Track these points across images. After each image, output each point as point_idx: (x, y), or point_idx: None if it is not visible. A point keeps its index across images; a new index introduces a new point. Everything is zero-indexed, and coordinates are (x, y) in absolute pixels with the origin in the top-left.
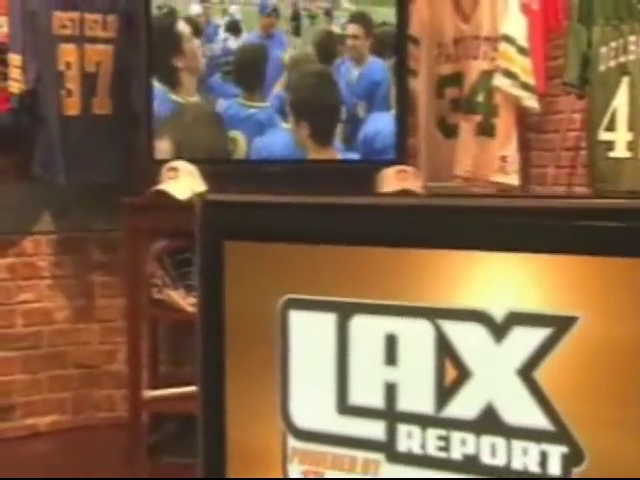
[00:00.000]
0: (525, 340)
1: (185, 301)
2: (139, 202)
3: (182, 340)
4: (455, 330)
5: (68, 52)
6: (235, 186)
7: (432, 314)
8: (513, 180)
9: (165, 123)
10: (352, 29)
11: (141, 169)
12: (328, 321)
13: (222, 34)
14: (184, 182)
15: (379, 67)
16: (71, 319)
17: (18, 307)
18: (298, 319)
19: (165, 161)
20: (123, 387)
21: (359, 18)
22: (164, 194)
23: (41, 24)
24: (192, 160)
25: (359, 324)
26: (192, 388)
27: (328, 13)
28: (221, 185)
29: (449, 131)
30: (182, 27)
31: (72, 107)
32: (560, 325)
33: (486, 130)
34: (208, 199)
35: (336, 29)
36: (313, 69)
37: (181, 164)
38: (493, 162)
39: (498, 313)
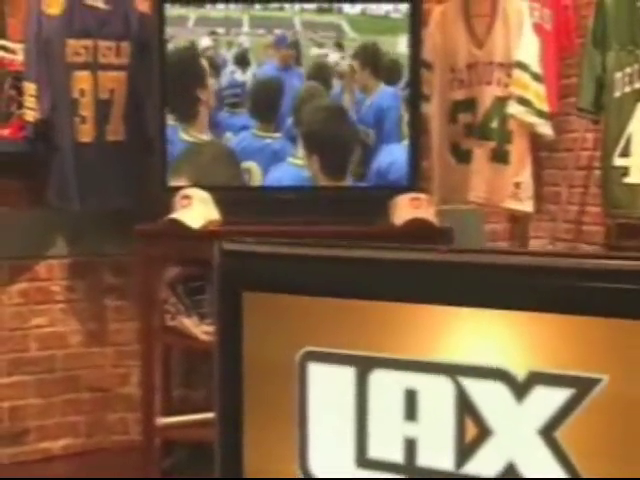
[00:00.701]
0: (547, 400)
1: (198, 329)
2: (152, 230)
3: (195, 363)
4: (476, 387)
5: (82, 79)
6: (248, 213)
7: (453, 370)
8: (527, 207)
9: (177, 156)
10: (360, 59)
11: (154, 195)
12: (347, 374)
13: (231, 66)
14: (197, 210)
15: (390, 97)
16: (84, 343)
17: (32, 331)
18: (317, 371)
19: (178, 188)
20: (136, 410)
21: (367, 48)
22: (177, 222)
23: (55, 52)
24: (205, 187)
25: (379, 378)
26: (205, 415)
27: (336, 44)
28: (234, 212)
29: (462, 156)
30: (194, 59)
31: (86, 134)
32: (583, 386)
33: (500, 156)
34: (226, 249)
35: (343, 60)
36: (323, 102)
37: (194, 192)
38: (507, 188)
39: (520, 372)
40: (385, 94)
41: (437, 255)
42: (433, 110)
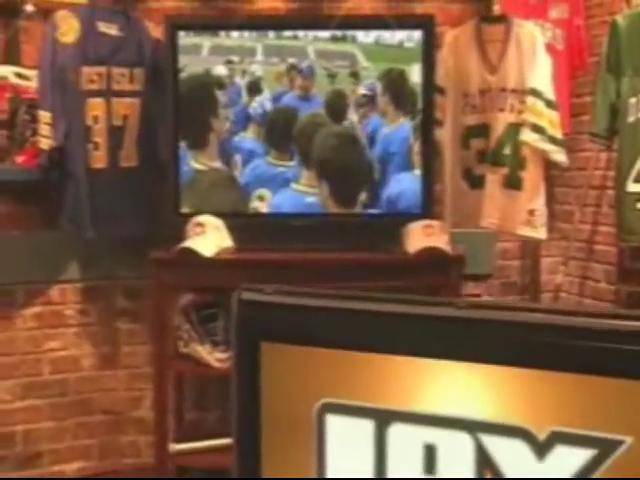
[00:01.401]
0: (568, 460)
1: (211, 356)
2: (166, 258)
3: (207, 387)
4: (496, 445)
5: (96, 106)
6: (258, 240)
7: (473, 427)
8: (541, 234)
9: (188, 183)
10: (372, 88)
11: (167, 221)
12: (366, 427)
13: (245, 94)
14: (210, 238)
15: (402, 126)
16: (97, 366)
17: (45, 355)
18: (335, 423)
19: (191, 214)
20: (148, 433)
21: (379, 77)
22: (190, 251)
23: (70, 80)
24: (217, 214)
25: (398, 432)
26: (218, 441)
27: (350, 73)
28: (244, 239)
29: (475, 182)
30: (207, 88)
31: (99, 160)
32: (605, 447)
33: (513, 183)
34: (245, 299)
35: (356, 88)
36: (335, 129)
37: (207, 219)
38: (520, 215)
39: (541, 431)
40: (401, 125)
41: (456, 311)
42: (445, 135)
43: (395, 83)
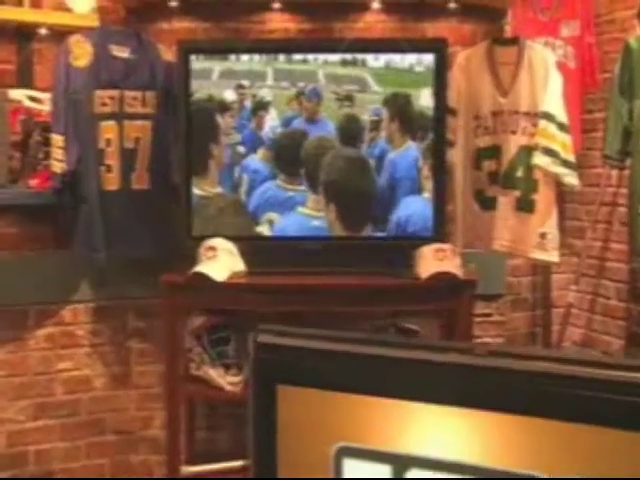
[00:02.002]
0: None
1: (223, 379)
2: (178, 281)
3: (218, 406)
4: None
5: (108, 129)
6: (266, 264)
7: (492, 475)
8: (553, 258)
9: (199, 208)
10: (383, 113)
11: (179, 243)
12: (383, 472)
13: (254, 118)
14: (222, 261)
15: (410, 150)
16: (109, 386)
17: (57, 375)
18: (352, 468)
19: (203, 237)
20: (160, 453)
21: (390, 101)
22: (203, 276)
23: (83, 104)
24: (228, 236)
25: (415, 478)
26: (229, 464)
27: (357, 97)
28: (251, 262)
29: (487, 203)
30: (210, 114)
31: (111, 183)
32: None
33: (525, 206)
34: (261, 341)
35: (365, 113)
36: (344, 153)
37: (219, 243)
38: (532, 238)
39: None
40: (409, 149)
41: (474, 358)
42: (457, 156)
43: (401, 108)
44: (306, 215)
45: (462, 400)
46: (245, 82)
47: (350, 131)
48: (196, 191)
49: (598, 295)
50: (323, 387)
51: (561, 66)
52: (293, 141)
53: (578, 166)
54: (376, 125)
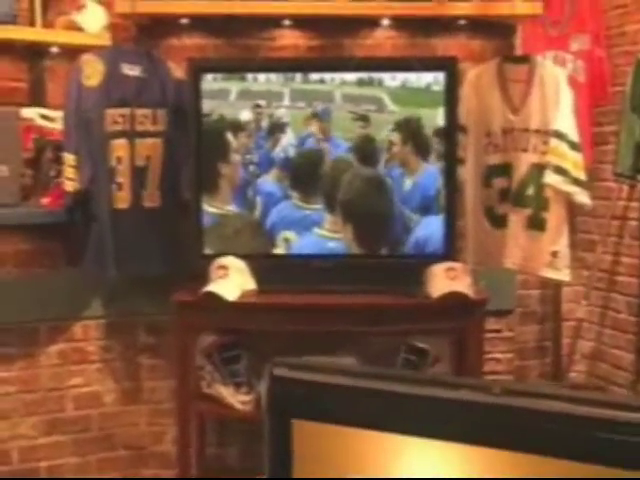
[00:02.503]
0: None
1: (234, 398)
2: (189, 300)
3: (228, 422)
4: None
5: (119, 147)
6: (280, 282)
7: None
8: (564, 276)
9: (213, 226)
10: (399, 134)
11: (190, 260)
12: None
13: (271, 137)
14: (234, 280)
15: (427, 170)
16: (120, 402)
17: (68, 392)
18: None
19: (214, 256)
20: (170, 467)
21: (406, 123)
22: (214, 295)
23: (94, 123)
24: (240, 255)
25: None
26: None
27: (374, 117)
28: (265, 281)
29: (497, 221)
30: (225, 132)
31: (122, 200)
32: None
33: (536, 224)
34: (276, 375)
35: (382, 133)
36: (364, 173)
37: (231, 261)
38: (543, 256)
39: None
40: (427, 172)
41: (490, 397)
42: (467, 173)
43: (414, 131)
44: (322, 236)
45: (479, 438)
46: (262, 102)
47: (367, 151)
48: (210, 209)
49: (608, 308)
50: (339, 422)
51: (571, 80)
52: (307, 160)
53: (589, 179)
54: (391, 146)
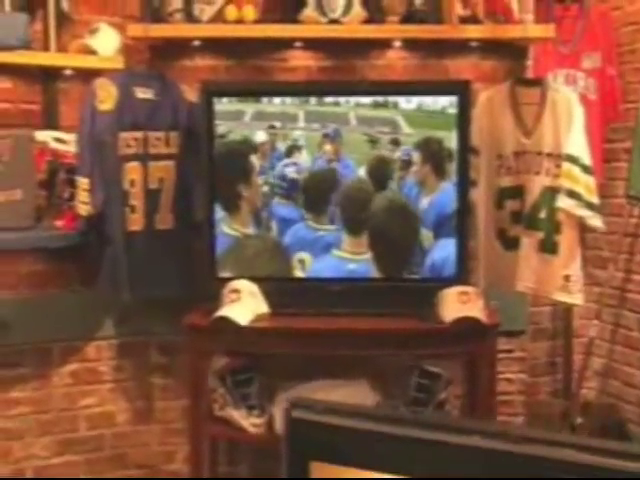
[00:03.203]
0: None
1: (247, 421)
2: (201, 324)
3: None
4: None
5: (132, 170)
6: (295, 305)
7: None
8: (577, 300)
9: (224, 252)
10: (420, 153)
11: (203, 283)
12: None
13: (285, 159)
14: (246, 304)
15: (444, 192)
16: (132, 421)
17: (81, 412)
18: None
19: (227, 279)
20: None
21: (426, 142)
22: (226, 320)
23: (108, 147)
24: (254, 278)
25: None
26: None
27: (392, 140)
28: (282, 304)
29: (509, 243)
30: (243, 155)
31: (135, 223)
32: None
33: (549, 247)
34: (295, 417)
35: (397, 155)
36: (385, 196)
37: (243, 285)
38: (556, 280)
39: None
40: (444, 192)
41: (508, 445)
42: (479, 195)
43: (434, 151)
44: (342, 258)
45: None
46: (277, 123)
47: (382, 172)
48: (226, 230)
49: (619, 326)
50: (357, 465)
51: (582, 98)
52: (320, 181)
53: (601, 196)
54: (405, 165)
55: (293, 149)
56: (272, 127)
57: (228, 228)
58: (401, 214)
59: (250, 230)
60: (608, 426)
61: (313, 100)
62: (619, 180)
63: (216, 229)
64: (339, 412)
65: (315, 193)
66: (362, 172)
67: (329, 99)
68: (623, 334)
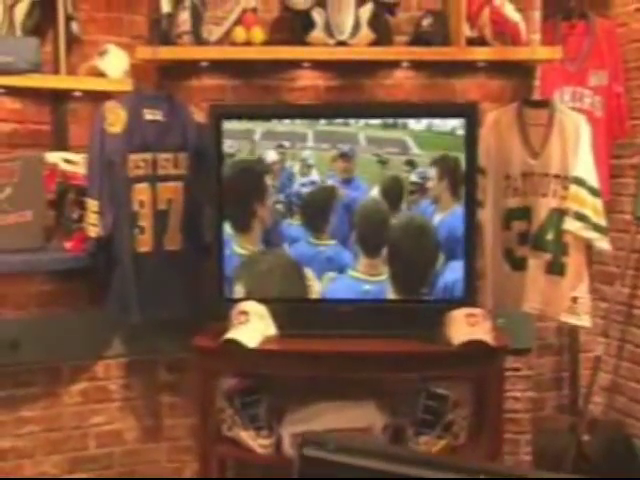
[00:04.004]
0: None
1: (255, 442)
2: (209, 346)
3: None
4: None
5: (141, 191)
6: (305, 326)
7: None
8: (585, 322)
9: (235, 271)
10: (437, 170)
11: (211, 303)
12: None
13: (294, 179)
14: (254, 326)
15: (455, 212)
16: (141, 439)
17: (91, 430)
18: None
19: (236, 300)
20: None
21: (433, 163)
22: (234, 342)
23: (117, 169)
24: (263, 299)
25: None
26: None
27: (398, 159)
28: (291, 324)
29: (517, 264)
30: (256, 174)
31: (144, 244)
32: None
33: (556, 269)
34: (306, 455)
35: (409, 176)
36: (404, 217)
37: (251, 307)
38: (563, 302)
39: None
40: (454, 214)
41: None
42: (486, 216)
43: (451, 169)
44: (356, 279)
45: None
46: (286, 143)
47: (395, 193)
48: (238, 249)
49: (626, 342)
50: None
51: (589, 115)
52: (318, 197)
53: (608, 212)
54: (421, 187)
55: (303, 168)
56: (281, 146)
57: (239, 247)
58: (420, 233)
59: (261, 247)
60: (615, 442)
61: (322, 120)
62: (625, 196)
63: (225, 249)
64: (350, 450)
65: (312, 209)
66: (375, 193)
67: (338, 120)
68: (630, 350)
